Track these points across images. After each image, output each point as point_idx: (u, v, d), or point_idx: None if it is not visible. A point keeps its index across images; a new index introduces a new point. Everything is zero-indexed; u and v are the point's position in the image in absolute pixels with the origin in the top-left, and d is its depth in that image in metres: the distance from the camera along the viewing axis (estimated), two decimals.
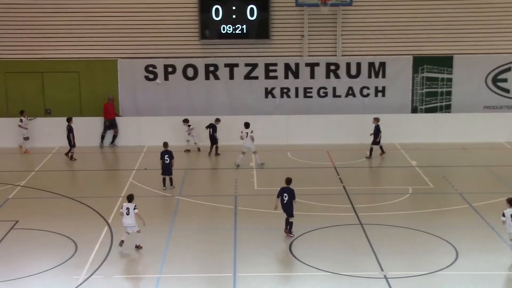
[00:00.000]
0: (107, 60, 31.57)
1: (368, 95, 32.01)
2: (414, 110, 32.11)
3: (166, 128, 30.61)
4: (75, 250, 19.05)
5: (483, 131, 30.99)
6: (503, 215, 18.16)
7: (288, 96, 32.04)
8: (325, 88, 32.01)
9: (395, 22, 31.60)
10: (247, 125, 27.44)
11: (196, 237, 20.23)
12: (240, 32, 31.39)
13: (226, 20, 31.28)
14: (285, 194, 20.01)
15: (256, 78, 31.89)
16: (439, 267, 17.87)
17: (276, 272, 17.83)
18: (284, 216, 20.07)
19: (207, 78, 31.86)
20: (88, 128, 30.85)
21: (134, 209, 19.01)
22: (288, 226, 20.04)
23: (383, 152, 28.79)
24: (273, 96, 32.06)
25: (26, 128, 30.05)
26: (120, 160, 29.66)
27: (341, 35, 31.56)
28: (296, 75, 31.89)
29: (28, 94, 31.77)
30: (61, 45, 31.44)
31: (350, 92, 32.00)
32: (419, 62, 31.79)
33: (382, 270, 17.75)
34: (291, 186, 20.20)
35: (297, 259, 18.47)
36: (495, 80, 31.88)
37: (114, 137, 31.10)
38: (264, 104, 31.99)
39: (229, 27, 31.35)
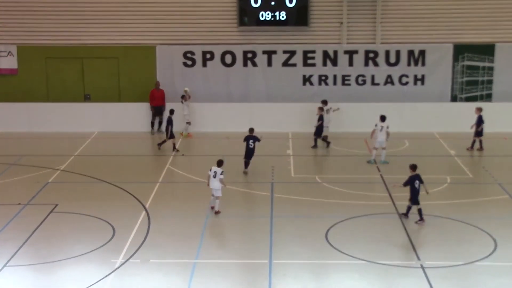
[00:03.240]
0: (146, 46, 31.73)
1: (407, 83, 31.71)
2: (454, 99, 31.73)
3: (204, 114, 30.67)
4: (113, 234, 19.25)
5: None
6: None
7: (326, 84, 31.88)
8: (363, 76, 31.78)
9: (435, 9, 31.20)
10: (383, 118, 26.13)
11: (232, 223, 20.32)
12: (278, 19, 31.27)
13: (264, 6, 31.16)
14: (416, 181, 20.25)
15: (294, 65, 31.77)
16: (476, 257, 17.70)
17: (312, 259, 17.77)
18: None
19: (245, 65, 31.84)
20: (127, 114, 31.32)
21: (221, 174, 20.60)
22: (418, 213, 20.19)
23: (481, 147, 28.14)
24: (311, 84, 31.93)
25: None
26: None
27: (381, 22, 31.27)
28: (334, 63, 31.70)
29: (68, 80, 32.10)
30: (100, 30, 31.66)
31: (389, 80, 31.72)
32: (460, 50, 31.37)
33: (418, 259, 17.64)
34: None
35: (333, 247, 18.43)
36: None
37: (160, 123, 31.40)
38: (302, 91, 31.88)
39: (268, 14, 31.23)
